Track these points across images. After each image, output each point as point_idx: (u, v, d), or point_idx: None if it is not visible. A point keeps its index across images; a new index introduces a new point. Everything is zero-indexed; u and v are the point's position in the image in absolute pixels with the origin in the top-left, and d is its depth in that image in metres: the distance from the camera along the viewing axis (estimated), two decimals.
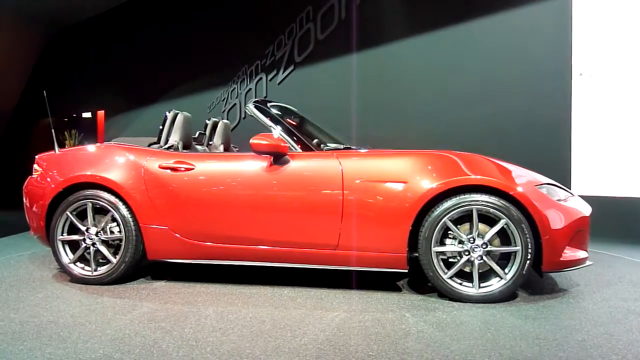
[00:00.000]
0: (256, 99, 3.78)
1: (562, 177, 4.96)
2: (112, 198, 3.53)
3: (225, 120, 4.81)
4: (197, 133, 4.69)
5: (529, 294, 3.24)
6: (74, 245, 3.68)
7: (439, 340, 2.43)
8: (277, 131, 3.46)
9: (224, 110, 9.26)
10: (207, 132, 4.73)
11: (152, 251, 3.54)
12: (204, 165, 3.50)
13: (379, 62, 7.27)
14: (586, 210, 3.29)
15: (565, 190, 3.34)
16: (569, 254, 3.11)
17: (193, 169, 3.48)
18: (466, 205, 3.06)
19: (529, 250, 3.01)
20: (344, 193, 3.23)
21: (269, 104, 3.77)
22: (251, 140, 3.30)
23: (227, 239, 3.41)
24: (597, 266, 3.99)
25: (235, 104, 9.14)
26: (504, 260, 3.12)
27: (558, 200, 3.16)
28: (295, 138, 3.47)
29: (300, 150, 3.42)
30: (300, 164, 3.35)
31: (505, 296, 3.06)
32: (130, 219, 3.50)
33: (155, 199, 3.49)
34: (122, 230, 3.51)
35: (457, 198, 3.08)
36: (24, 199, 3.93)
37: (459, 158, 3.25)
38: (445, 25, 6.73)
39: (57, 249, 3.63)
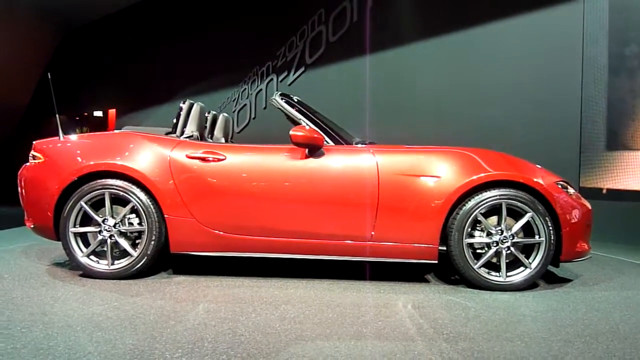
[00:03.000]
0: (280, 92, 3.78)
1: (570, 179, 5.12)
2: (134, 188, 3.36)
3: (225, 114, 4.72)
4: None
5: (546, 283, 3.51)
6: (83, 238, 3.46)
7: (505, 321, 2.59)
8: (308, 124, 3.49)
9: (234, 110, 9.20)
10: (208, 126, 4.60)
11: (176, 243, 3.41)
12: (236, 156, 3.44)
13: (389, 64, 7.36)
14: (589, 206, 3.62)
15: (572, 187, 3.66)
16: (580, 245, 3.41)
17: (224, 159, 3.40)
18: (498, 199, 3.26)
19: (552, 242, 3.27)
20: (379, 186, 3.32)
21: (293, 98, 3.79)
22: (291, 132, 3.31)
23: (259, 231, 3.37)
24: (590, 263, 4.24)
25: (245, 104, 9.08)
26: (523, 252, 3.35)
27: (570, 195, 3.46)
28: (326, 132, 3.51)
29: (333, 144, 3.47)
30: (336, 157, 3.39)
31: (529, 284, 3.30)
32: (154, 210, 3.35)
33: (182, 189, 3.37)
34: (145, 221, 3.35)
35: (488, 192, 3.28)
36: (21, 189, 3.63)
37: (485, 154, 3.46)
38: (456, 29, 6.88)
39: (69, 242, 3.38)
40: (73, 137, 3.68)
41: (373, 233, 3.33)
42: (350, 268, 3.79)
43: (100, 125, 12.36)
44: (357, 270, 3.74)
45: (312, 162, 3.37)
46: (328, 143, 3.45)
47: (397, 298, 3.04)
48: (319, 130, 3.44)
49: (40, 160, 3.57)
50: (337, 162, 3.39)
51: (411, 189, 3.32)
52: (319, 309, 2.78)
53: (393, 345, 2.23)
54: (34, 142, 3.73)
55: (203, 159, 3.40)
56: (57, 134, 3.64)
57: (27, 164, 3.69)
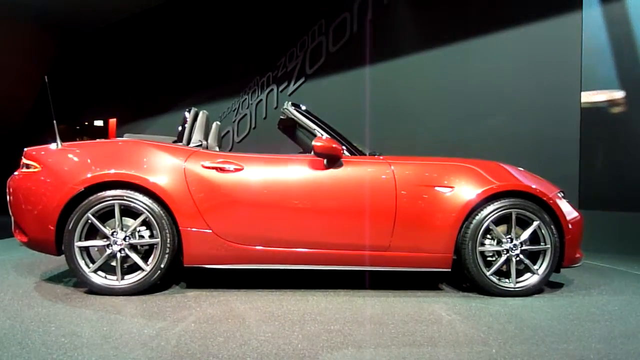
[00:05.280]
0: (291, 102, 3.75)
1: (570, 190, 4.93)
2: (147, 199, 3.21)
3: (218, 123, 4.60)
4: None
5: (550, 288, 3.71)
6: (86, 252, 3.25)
7: (538, 325, 2.72)
8: (323, 135, 3.49)
9: (235, 120, 9.21)
10: None
11: (191, 256, 3.28)
12: (254, 166, 3.36)
13: (390, 75, 7.37)
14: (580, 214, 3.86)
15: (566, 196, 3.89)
16: (578, 251, 3.64)
17: (242, 169, 3.33)
18: (508, 209, 3.41)
19: (557, 248, 3.47)
20: (397, 197, 3.38)
21: (302, 107, 3.77)
22: (313, 142, 3.31)
23: (278, 242, 3.32)
24: (572, 270, 4.41)
25: (245, 114, 9.01)
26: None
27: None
28: (343, 142, 3.53)
29: (349, 154, 3.49)
30: (355, 168, 3.41)
31: (537, 290, 3.47)
32: (169, 222, 3.21)
33: (199, 200, 3.25)
34: (159, 233, 3.20)
35: (500, 202, 3.42)
36: (12, 199, 3.35)
37: (493, 165, 3.61)
38: (456, 39, 6.88)
39: (75, 257, 3.16)
40: (72, 144, 3.45)
41: (391, 243, 3.37)
42: (350, 277, 3.79)
43: (100, 134, 12.41)
44: (358, 280, 3.75)
45: (332, 173, 3.37)
46: (344, 154, 3.46)
47: (425, 307, 3.09)
48: (338, 141, 3.45)
49: (36, 170, 3.31)
50: (356, 172, 3.41)
51: (427, 200, 3.41)
52: (356, 320, 2.77)
53: (451, 351, 2.28)
54: (25, 150, 3.47)
55: (220, 169, 3.31)
56: (54, 142, 3.41)
57: (17, 173, 3.43)
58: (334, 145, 3.33)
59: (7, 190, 3.40)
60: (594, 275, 4.28)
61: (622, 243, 5.53)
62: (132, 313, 2.79)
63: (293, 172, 3.39)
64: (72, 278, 3.62)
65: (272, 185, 3.35)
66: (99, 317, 2.70)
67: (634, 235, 5.51)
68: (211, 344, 2.31)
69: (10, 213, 3.38)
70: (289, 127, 4.58)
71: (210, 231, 3.27)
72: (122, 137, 3.70)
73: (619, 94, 5.91)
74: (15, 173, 3.44)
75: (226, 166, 3.32)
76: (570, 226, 3.51)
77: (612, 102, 5.94)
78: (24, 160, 3.40)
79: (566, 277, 4.08)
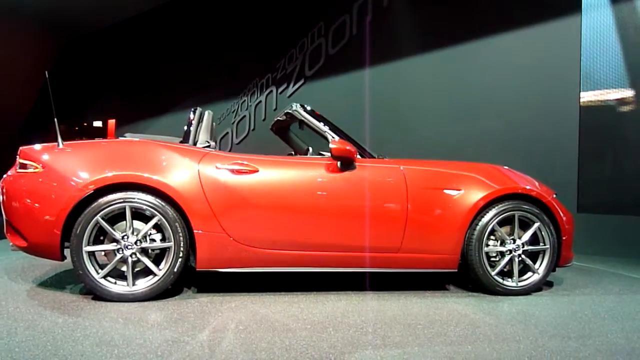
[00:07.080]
0: (299, 103, 3.73)
1: (569, 194, 5.15)
2: (159, 201, 3.09)
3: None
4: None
5: (547, 287, 3.88)
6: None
7: (555, 322, 2.85)
8: (334, 137, 3.49)
9: (234, 122, 9.16)
10: None
11: (204, 260, 3.19)
12: (269, 168, 3.32)
13: (389, 77, 7.35)
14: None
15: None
16: (571, 251, 3.83)
17: (257, 171, 3.28)
18: (511, 211, 3.54)
19: (555, 249, 3.64)
20: (408, 199, 3.44)
21: (307, 108, 3.76)
22: (331, 145, 3.31)
23: (292, 245, 3.29)
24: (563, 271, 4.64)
25: (245, 115, 8.93)
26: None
27: None
28: (356, 145, 3.54)
29: (360, 157, 3.51)
30: (368, 171, 3.44)
31: (537, 288, 3.63)
32: (182, 225, 3.12)
33: (214, 203, 3.17)
34: (172, 237, 3.10)
35: (503, 205, 3.55)
36: (8, 200, 3.15)
37: (495, 169, 3.74)
38: (455, 42, 6.85)
39: (83, 262, 3.01)
40: (74, 144, 3.28)
41: (402, 244, 3.42)
42: (351, 279, 3.82)
43: (99, 135, 12.31)
44: (359, 281, 3.78)
45: (346, 175, 3.38)
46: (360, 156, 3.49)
47: (440, 307, 3.16)
48: (352, 144, 3.47)
49: (36, 170, 3.12)
50: (369, 175, 3.44)
51: (437, 202, 3.48)
52: (383, 321, 2.80)
53: (491, 349, 2.35)
54: (21, 148, 3.26)
55: (235, 171, 3.24)
56: (53, 142, 3.23)
57: (11, 173, 3.22)
58: (348, 148, 3.35)
59: (1, 191, 3.19)
60: (578, 274, 4.51)
61: (610, 245, 5.76)
62: (156, 320, 2.69)
63: (309, 175, 3.38)
64: (72, 284, 3.44)
65: (287, 187, 3.32)
66: (121, 325, 2.58)
67: (619, 237, 5.72)
68: (256, 348, 2.27)
69: (4, 215, 3.18)
70: (282, 129, 4.56)
71: (225, 234, 3.20)
72: (123, 136, 3.55)
73: (618, 96, 5.86)
74: (9, 173, 3.24)
75: (241, 168, 3.26)
76: (567, 227, 3.70)
77: (611, 104, 5.92)
78: (20, 160, 3.19)
79: (555, 276, 4.28)
